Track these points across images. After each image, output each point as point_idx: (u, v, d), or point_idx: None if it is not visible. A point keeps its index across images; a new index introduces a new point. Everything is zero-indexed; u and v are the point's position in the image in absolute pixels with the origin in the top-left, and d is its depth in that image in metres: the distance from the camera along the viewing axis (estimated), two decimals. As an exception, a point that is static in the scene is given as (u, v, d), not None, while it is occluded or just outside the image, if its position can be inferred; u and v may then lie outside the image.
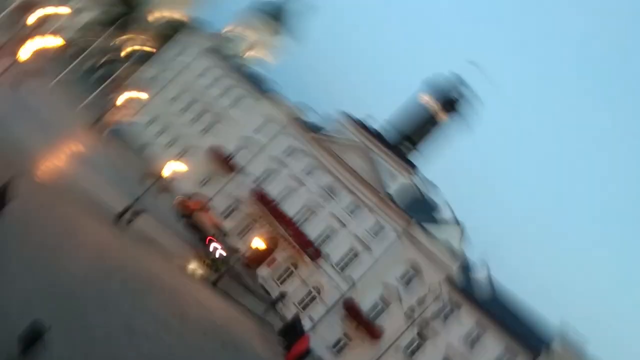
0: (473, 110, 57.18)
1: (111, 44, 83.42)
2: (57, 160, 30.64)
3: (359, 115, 56.45)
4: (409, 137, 55.08)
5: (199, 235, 42.56)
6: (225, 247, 39.44)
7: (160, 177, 31.24)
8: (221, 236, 43.62)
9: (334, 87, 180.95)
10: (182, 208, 46.21)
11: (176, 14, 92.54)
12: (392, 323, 43.16)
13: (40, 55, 27.15)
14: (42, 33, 26.45)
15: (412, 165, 51.63)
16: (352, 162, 52.03)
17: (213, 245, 39.03)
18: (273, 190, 53.55)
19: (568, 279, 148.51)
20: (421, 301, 29.53)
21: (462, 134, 58.71)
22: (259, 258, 49.85)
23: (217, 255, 37.91)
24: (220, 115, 61.20)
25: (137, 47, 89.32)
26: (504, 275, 50.67)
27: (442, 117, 56.03)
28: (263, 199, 52.55)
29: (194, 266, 35.67)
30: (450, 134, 57.54)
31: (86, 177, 31.64)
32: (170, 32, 77.66)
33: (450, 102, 55.97)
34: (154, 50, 79.13)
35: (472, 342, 41.97)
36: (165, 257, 31.41)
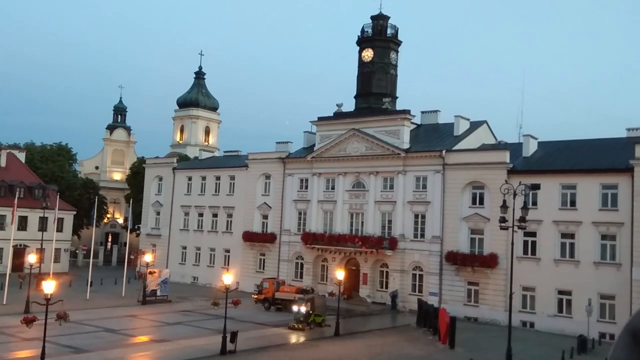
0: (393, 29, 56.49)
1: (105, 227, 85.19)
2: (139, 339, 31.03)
3: (329, 112, 56.46)
4: (378, 94, 54.67)
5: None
6: (308, 301, 38.72)
7: (225, 290, 31.34)
8: (310, 294, 43.53)
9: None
10: (262, 299, 46.28)
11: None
12: (497, 243, 42.68)
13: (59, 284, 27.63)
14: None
15: (405, 111, 51.20)
16: (355, 150, 51.90)
17: (294, 308, 38.68)
18: (314, 225, 53.63)
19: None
20: (504, 206, 28.96)
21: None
22: (350, 285, 49.80)
23: (302, 311, 37.52)
24: (228, 206, 61.60)
25: (117, 217, 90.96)
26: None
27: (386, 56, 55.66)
28: (313, 237, 52.57)
29: (295, 335, 35.50)
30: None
31: (174, 336, 31.97)
32: (136, 170, 78.88)
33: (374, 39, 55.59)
34: (130, 191, 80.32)
35: (571, 201, 41.27)
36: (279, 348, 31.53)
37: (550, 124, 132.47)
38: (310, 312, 37.71)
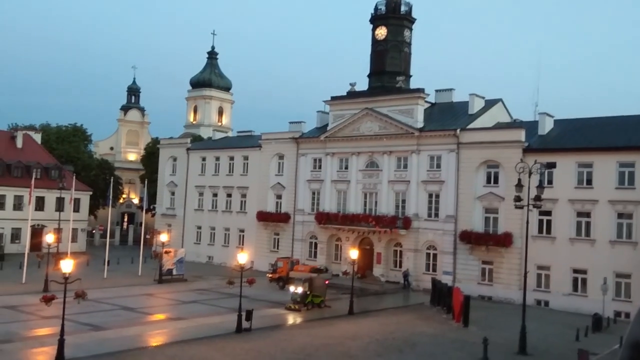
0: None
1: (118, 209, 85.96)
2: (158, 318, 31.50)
3: (342, 91, 56.04)
4: (391, 72, 54.17)
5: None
6: (305, 282, 38.30)
7: (240, 269, 31.62)
8: (324, 273, 43.65)
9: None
10: (276, 278, 46.62)
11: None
12: (511, 222, 42.46)
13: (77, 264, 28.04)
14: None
15: (419, 90, 50.74)
16: (368, 129, 51.69)
17: (291, 288, 38.49)
18: (328, 205, 53.70)
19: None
20: (519, 185, 28.70)
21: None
22: (364, 264, 50.00)
23: (299, 292, 37.28)
24: (242, 186, 61.83)
25: (132, 198, 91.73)
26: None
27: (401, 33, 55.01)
28: (327, 217, 52.69)
29: (292, 316, 35.35)
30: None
31: (190, 314, 32.40)
32: (152, 151, 79.26)
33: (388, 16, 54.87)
34: (145, 172, 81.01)
35: (588, 179, 40.88)
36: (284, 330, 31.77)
37: (567, 101, 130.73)
38: (308, 292, 37.24)
